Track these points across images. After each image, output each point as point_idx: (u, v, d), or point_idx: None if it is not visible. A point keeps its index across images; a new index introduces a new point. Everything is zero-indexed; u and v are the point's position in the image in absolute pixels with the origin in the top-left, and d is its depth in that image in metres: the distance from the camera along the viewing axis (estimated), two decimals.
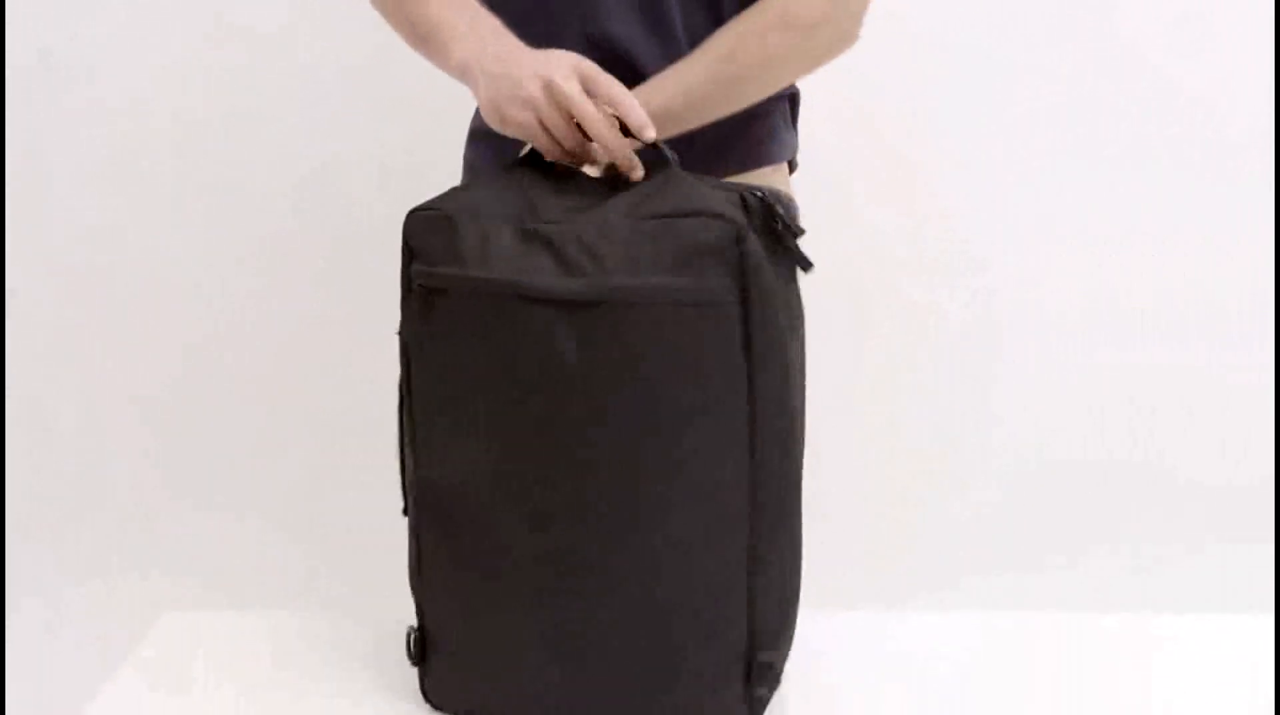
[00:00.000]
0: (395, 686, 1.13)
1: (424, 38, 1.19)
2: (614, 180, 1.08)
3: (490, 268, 0.98)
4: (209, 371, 2.11)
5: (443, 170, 1.41)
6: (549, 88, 1.06)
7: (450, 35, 1.15)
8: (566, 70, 1.07)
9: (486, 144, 1.32)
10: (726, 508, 1.00)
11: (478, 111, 1.37)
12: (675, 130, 1.16)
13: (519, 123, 1.08)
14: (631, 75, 1.17)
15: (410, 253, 1.03)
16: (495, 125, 1.12)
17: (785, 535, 1.05)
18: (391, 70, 1.92)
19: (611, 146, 1.07)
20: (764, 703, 1.06)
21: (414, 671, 1.11)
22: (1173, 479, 2.10)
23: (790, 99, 1.37)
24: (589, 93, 1.07)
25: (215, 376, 2.11)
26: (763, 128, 1.32)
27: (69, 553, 2.14)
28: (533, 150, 1.11)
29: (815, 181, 1.60)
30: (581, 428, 0.97)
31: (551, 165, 1.10)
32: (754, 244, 0.98)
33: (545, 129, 1.08)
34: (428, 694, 1.10)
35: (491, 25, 1.15)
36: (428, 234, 1.01)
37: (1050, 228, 2.04)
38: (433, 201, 1.03)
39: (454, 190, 1.06)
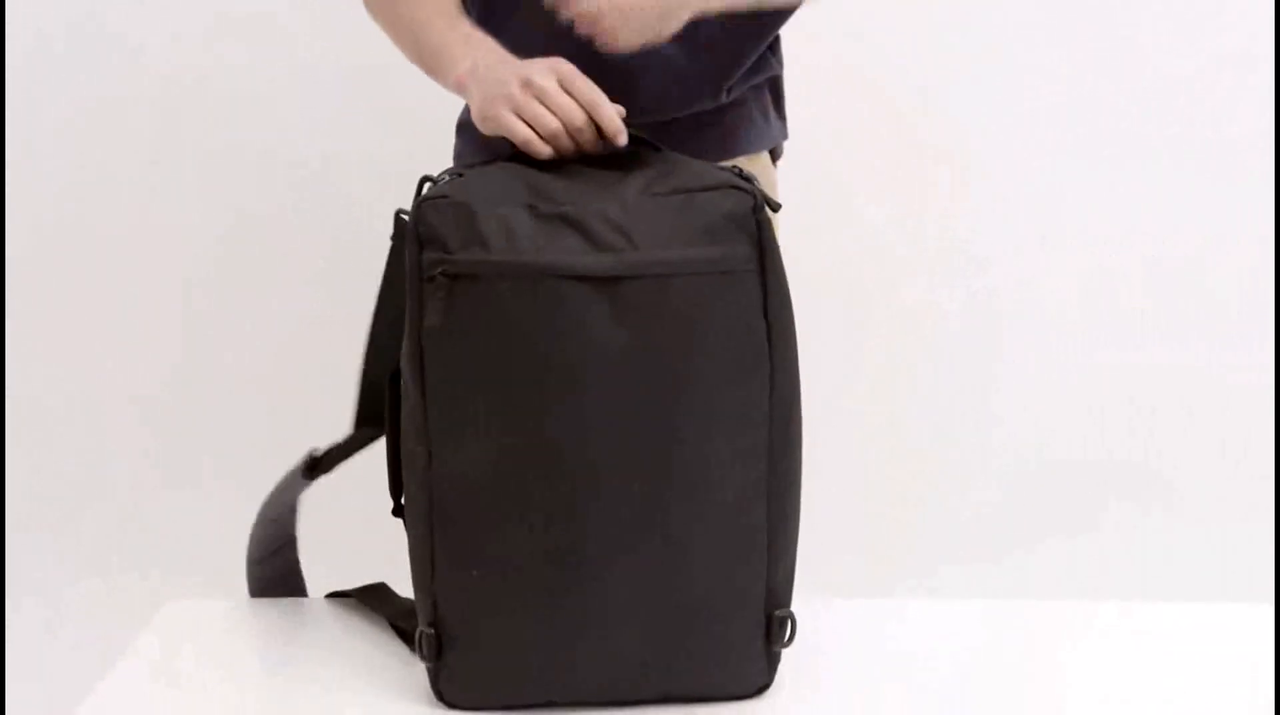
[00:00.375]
0: (397, 678, 1.12)
1: (430, 66, 1.28)
2: (604, 160, 1.10)
3: (520, 251, 1.00)
4: (208, 371, 2.11)
5: (442, 169, 1.42)
6: (527, 84, 1.12)
7: (453, 56, 1.24)
8: (543, 70, 1.13)
9: (471, 135, 1.39)
10: (753, 473, 1.03)
11: (466, 105, 1.43)
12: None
13: (496, 117, 1.13)
14: (601, 70, 1.19)
15: (420, 242, 1.03)
16: (481, 126, 1.17)
17: (795, 496, 1.08)
18: (391, 69, 1.92)
19: (585, 139, 1.12)
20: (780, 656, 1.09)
21: (416, 663, 1.10)
22: (1173, 479, 2.10)
23: (771, 86, 1.38)
24: (566, 92, 1.12)
25: (214, 376, 2.11)
26: (738, 117, 1.35)
27: (69, 551, 2.14)
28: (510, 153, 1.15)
29: (814, 180, 1.61)
30: (620, 397, 0.99)
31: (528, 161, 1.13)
32: (767, 213, 1.03)
33: (524, 122, 1.12)
34: (442, 693, 1.08)
35: (486, 44, 1.23)
36: (442, 222, 1.02)
37: (1050, 228, 2.04)
38: (438, 190, 1.04)
39: (451, 181, 1.07)
